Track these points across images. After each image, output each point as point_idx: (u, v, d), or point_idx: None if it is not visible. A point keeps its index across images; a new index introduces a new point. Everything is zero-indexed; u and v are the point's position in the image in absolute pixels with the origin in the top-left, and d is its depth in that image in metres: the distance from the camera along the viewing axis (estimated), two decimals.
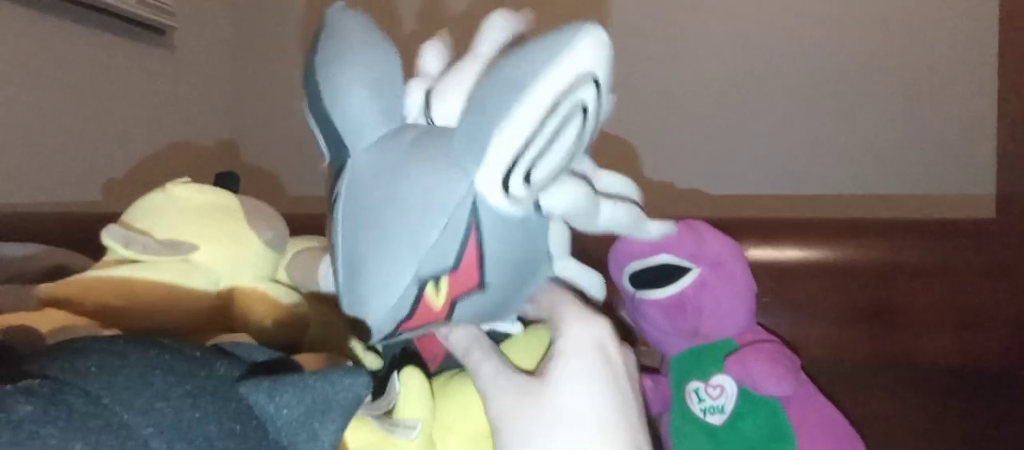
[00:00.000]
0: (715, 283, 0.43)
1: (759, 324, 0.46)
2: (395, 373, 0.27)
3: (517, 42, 0.31)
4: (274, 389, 0.17)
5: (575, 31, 0.23)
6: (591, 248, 0.43)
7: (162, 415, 0.15)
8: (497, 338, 0.30)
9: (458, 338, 0.29)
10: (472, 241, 0.26)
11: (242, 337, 0.32)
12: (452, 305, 0.27)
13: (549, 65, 0.23)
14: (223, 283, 0.36)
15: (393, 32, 0.30)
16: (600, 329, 0.27)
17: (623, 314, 0.50)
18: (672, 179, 1.07)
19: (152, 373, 0.16)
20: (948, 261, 0.50)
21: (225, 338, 0.30)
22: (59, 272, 0.36)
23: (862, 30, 0.99)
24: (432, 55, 0.32)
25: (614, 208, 0.32)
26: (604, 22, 0.23)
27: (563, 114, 0.23)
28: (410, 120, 0.29)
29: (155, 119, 1.12)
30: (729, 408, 0.41)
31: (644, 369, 0.50)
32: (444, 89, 0.29)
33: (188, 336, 0.21)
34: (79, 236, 0.40)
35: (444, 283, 0.26)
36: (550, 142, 0.24)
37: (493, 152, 0.24)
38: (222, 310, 0.36)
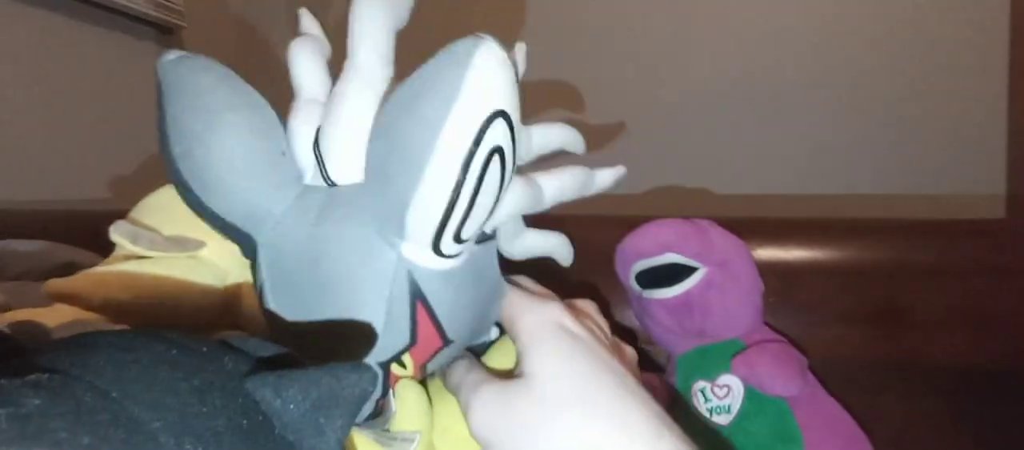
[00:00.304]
0: (722, 283, 0.42)
1: (766, 324, 0.46)
2: (391, 392, 0.26)
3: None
4: (280, 384, 0.17)
5: (462, 63, 0.19)
6: (596, 247, 0.43)
7: (170, 410, 0.15)
8: (478, 350, 0.30)
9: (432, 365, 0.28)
10: (421, 312, 0.24)
11: (248, 333, 0.32)
12: (422, 367, 0.26)
13: (445, 122, 0.19)
14: (230, 279, 0.36)
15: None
16: (551, 310, 0.26)
17: (630, 313, 0.50)
18: (679, 179, 1.06)
19: (160, 368, 0.16)
20: (957, 261, 0.50)
21: (231, 333, 0.30)
22: (68, 269, 0.36)
23: (872, 29, 0.99)
24: (305, 68, 0.26)
25: (558, 181, 0.28)
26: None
27: (477, 173, 0.20)
28: (306, 173, 0.25)
29: None
30: (735, 408, 0.41)
31: (650, 368, 0.50)
32: (335, 137, 0.24)
33: (195, 331, 0.21)
34: (87, 233, 0.41)
35: (407, 358, 0.24)
36: (471, 201, 0.21)
37: (412, 226, 0.22)
38: (229, 306, 0.36)
